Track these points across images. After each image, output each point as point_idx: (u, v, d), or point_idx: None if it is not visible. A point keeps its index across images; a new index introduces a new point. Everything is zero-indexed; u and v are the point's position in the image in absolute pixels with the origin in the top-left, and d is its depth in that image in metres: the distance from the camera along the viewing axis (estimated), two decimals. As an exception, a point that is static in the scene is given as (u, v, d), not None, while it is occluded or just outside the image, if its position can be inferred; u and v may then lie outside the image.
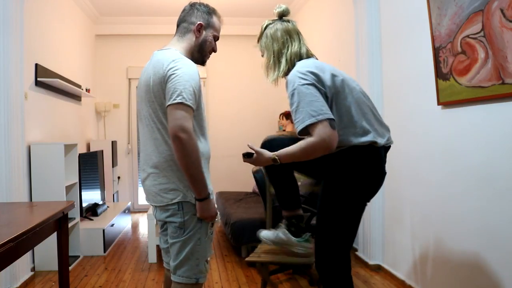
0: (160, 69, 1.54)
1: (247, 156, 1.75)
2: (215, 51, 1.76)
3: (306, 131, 1.58)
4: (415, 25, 2.66)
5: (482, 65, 2.00)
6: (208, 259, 1.66)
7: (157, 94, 1.55)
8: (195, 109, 1.53)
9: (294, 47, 1.80)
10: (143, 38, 6.03)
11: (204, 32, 1.70)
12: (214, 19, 1.73)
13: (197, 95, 1.55)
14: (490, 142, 2.03)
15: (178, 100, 1.47)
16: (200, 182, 1.52)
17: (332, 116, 1.56)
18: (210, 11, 1.73)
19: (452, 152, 2.32)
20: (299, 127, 1.57)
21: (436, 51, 2.38)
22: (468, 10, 2.06)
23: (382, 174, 1.75)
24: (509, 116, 1.89)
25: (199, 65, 1.72)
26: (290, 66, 1.77)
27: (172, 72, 1.51)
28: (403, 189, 2.90)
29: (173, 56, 1.57)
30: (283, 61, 1.79)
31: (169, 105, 1.48)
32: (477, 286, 2.13)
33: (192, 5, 1.73)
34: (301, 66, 1.70)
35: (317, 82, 1.62)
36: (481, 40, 1.99)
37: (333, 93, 1.65)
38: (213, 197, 1.63)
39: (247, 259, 2.28)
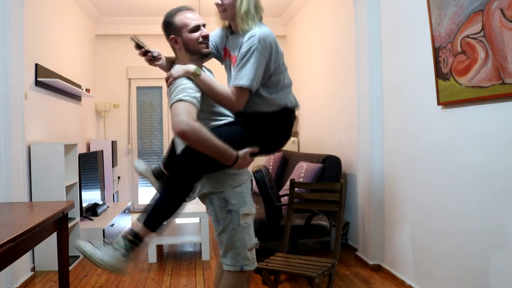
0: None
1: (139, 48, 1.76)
2: (204, 37, 1.73)
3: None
4: (415, 25, 2.66)
5: (482, 65, 2.00)
6: (250, 247, 1.72)
7: None
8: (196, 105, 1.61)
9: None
10: (143, 38, 6.01)
11: (179, 38, 1.72)
12: (177, 20, 1.71)
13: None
14: (490, 142, 2.03)
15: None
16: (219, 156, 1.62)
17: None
18: (169, 20, 1.73)
19: (452, 152, 2.32)
20: (238, 83, 1.63)
21: (436, 51, 2.38)
22: (468, 10, 2.06)
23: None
24: (509, 116, 1.89)
25: (205, 58, 1.82)
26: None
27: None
28: (402, 189, 2.90)
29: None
30: (260, 13, 1.72)
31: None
32: (476, 285, 2.13)
33: (162, 28, 1.77)
34: (270, 33, 1.68)
35: (272, 56, 1.67)
36: (481, 40, 1.99)
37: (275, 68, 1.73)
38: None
39: None
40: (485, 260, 2.06)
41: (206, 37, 1.74)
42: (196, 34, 1.72)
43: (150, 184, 2.04)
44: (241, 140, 1.69)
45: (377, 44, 3.22)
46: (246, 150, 1.66)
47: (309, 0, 5.07)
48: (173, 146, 1.91)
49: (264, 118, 1.74)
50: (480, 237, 2.10)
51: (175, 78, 1.64)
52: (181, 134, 1.51)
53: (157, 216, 1.63)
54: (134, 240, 1.59)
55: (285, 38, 6.19)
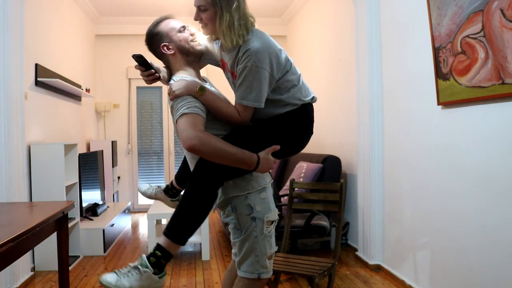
0: None
1: (141, 64, 1.65)
2: (194, 35, 1.71)
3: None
4: (415, 25, 2.66)
5: (482, 65, 2.00)
6: (269, 255, 1.67)
7: None
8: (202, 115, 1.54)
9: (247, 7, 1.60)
10: (143, 38, 6.01)
11: (171, 44, 1.68)
12: (162, 27, 1.69)
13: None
14: (489, 142, 2.03)
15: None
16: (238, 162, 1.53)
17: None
18: (153, 32, 1.70)
19: (452, 152, 2.32)
20: (241, 102, 1.57)
21: (436, 51, 2.38)
22: (468, 10, 2.06)
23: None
24: (509, 116, 1.89)
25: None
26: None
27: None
28: (402, 188, 2.90)
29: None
30: (247, 23, 1.57)
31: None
32: (476, 285, 2.13)
33: (147, 44, 1.73)
34: (273, 45, 1.58)
35: (276, 72, 1.59)
36: (481, 40, 1.99)
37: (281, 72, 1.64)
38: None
39: None
40: (485, 260, 2.06)
41: (194, 35, 1.71)
42: (186, 33, 1.69)
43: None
44: (261, 142, 1.61)
45: (377, 44, 3.22)
46: (267, 149, 1.57)
47: (309, 0, 5.07)
48: (185, 160, 1.82)
49: (282, 118, 1.66)
50: (480, 237, 2.10)
51: (177, 96, 1.54)
52: (191, 148, 1.44)
53: (184, 228, 1.55)
54: (163, 256, 1.53)
55: (285, 38, 6.19)
